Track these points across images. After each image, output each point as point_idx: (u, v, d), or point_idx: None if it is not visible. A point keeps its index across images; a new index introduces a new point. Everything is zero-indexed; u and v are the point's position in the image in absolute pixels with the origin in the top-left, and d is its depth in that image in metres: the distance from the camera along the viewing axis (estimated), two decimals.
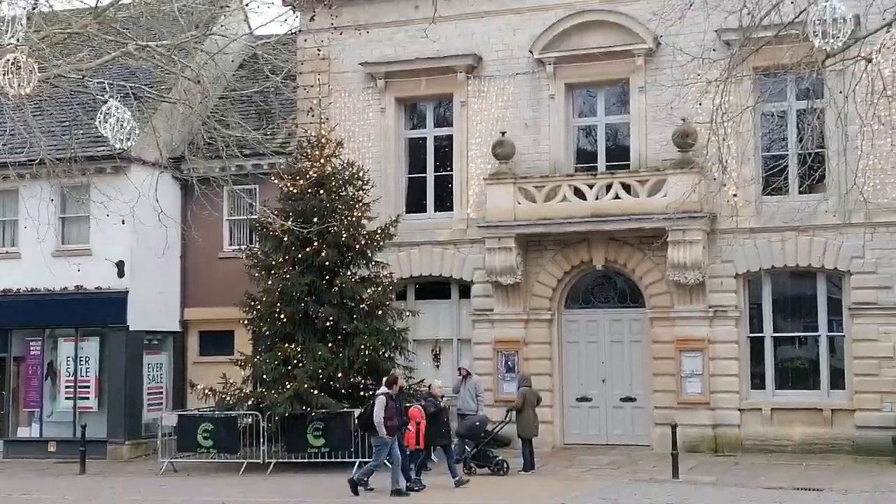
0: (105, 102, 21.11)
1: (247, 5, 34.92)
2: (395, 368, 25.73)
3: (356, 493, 21.09)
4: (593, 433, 29.34)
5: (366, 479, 21.56)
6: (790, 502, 19.15)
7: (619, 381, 29.25)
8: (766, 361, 28.26)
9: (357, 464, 22.32)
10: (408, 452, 21.95)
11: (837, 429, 26.89)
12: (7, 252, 33.99)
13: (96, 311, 32.49)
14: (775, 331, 28.41)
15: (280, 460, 26.39)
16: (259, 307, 27.79)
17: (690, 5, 20.09)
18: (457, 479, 22.01)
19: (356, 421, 23.45)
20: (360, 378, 26.77)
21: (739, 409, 27.84)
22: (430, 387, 24.58)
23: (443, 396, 24.32)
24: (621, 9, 29.22)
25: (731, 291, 28.24)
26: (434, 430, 22.63)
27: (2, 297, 33.23)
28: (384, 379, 23.27)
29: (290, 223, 27.12)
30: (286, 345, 26.85)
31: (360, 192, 28.42)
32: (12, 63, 18.25)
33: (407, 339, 28.97)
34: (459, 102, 31.15)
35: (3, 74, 18.62)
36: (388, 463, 21.24)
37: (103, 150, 29.02)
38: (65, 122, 30.33)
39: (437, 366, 30.95)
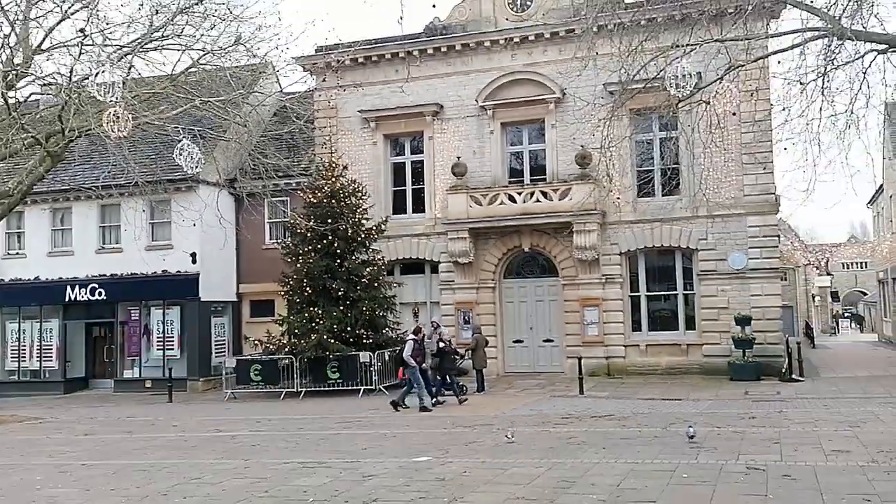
0: (180, 141, 21.51)
1: (277, 71, 35.15)
2: (417, 323, 25.78)
3: (396, 409, 21.16)
4: (525, 364, 29.74)
5: (403, 400, 21.53)
6: (660, 407, 19.56)
7: (541, 329, 29.76)
8: (642, 312, 29.07)
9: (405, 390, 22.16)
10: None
11: (691, 357, 27.76)
12: (112, 247, 33.83)
13: (177, 288, 32.43)
14: (647, 291, 29.19)
15: (308, 389, 26.61)
16: (291, 283, 27.84)
17: (585, 67, 20.68)
18: (462, 397, 22.18)
19: (394, 358, 24.08)
20: (363, 331, 27.06)
21: (624, 346, 28.56)
22: (419, 329, 23.58)
23: (449, 341, 24.28)
24: (538, 70, 29.53)
25: (617, 265, 28.84)
26: (445, 363, 22.98)
27: (110, 280, 33.19)
28: (413, 329, 23.54)
29: (311, 223, 27.45)
30: (311, 308, 27.05)
31: (360, 201, 28.46)
32: (113, 114, 18.65)
33: (395, 302, 29.34)
34: (428, 137, 31.27)
35: (107, 123, 18.97)
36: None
37: (179, 175, 28.75)
38: (151, 155, 30.25)
39: (417, 321, 29.90)
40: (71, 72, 24.90)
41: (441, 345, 23.22)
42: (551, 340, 29.53)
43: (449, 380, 22.92)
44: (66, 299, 34.10)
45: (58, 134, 25.17)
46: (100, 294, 33.80)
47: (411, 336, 22.46)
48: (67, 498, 11.49)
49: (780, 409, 18.60)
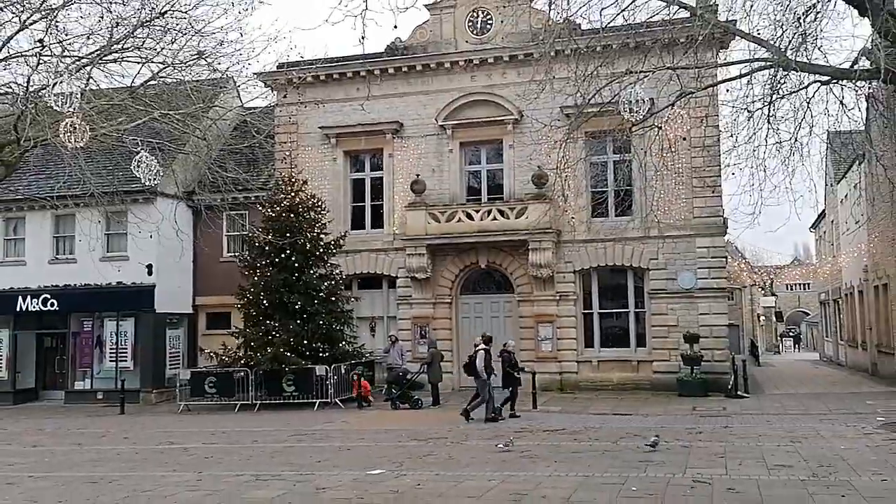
0: (138, 153, 21.22)
1: (238, 86, 34.97)
2: (485, 333, 24.78)
3: (468, 419, 20.57)
4: None
5: (472, 411, 20.90)
6: (610, 422, 19.75)
7: (497, 344, 29.72)
8: (594, 329, 29.10)
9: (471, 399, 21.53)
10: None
11: (641, 373, 27.96)
12: (66, 258, 33.32)
13: (132, 300, 32.08)
14: (600, 308, 29.20)
15: (264, 401, 26.33)
16: (248, 296, 27.57)
17: (542, 90, 20.59)
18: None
19: (462, 367, 23.27)
20: (319, 344, 27.00)
21: (577, 361, 28.62)
22: (489, 342, 23.01)
23: (506, 351, 23.16)
24: (496, 92, 29.64)
25: (571, 282, 28.90)
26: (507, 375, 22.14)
27: (63, 290, 32.72)
28: (483, 338, 23.01)
29: (269, 237, 27.32)
30: (267, 321, 26.86)
31: (319, 216, 28.37)
32: (70, 125, 18.38)
33: (352, 316, 29.34)
34: (387, 154, 31.16)
35: (64, 133, 18.73)
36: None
37: (137, 187, 28.47)
38: (108, 166, 29.98)
39: (373, 335, 30.86)
40: (28, 82, 24.87)
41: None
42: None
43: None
44: (17, 309, 33.53)
45: (13, 143, 25.03)
46: (52, 304, 33.28)
47: (482, 346, 22.02)
48: None
49: (725, 424, 18.81)
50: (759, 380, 33.11)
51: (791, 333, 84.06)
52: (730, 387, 26.05)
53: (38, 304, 33.38)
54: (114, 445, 18.93)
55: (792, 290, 72.50)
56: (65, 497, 12.06)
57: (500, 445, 15.46)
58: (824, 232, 52.04)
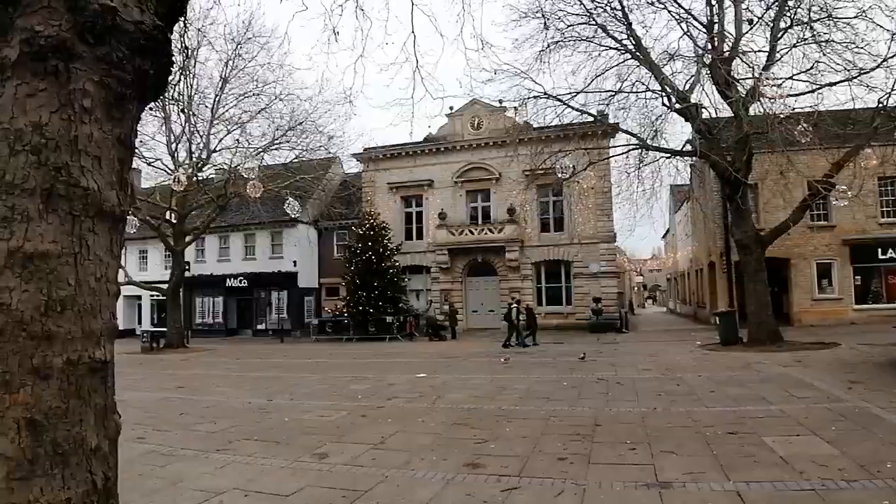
0: (287, 200, 22.32)
1: (341, 160, 35.84)
2: (516, 296, 24.70)
3: (505, 347, 19.54)
4: (480, 324, 29.87)
5: (508, 342, 20.03)
6: (551, 347, 19.59)
7: (488, 304, 30.18)
8: (543, 295, 29.23)
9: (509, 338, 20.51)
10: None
11: (569, 320, 28.00)
12: (251, 257, 34.04)
13: (285, 280, 32.60)
14: (546, 283, 29.40)
15: (357, 337, 26.57)
16: (348, 277, 28.08)
17: (511, 161, 21.44)
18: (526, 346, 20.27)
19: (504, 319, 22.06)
20: (387, 304, 27.20)
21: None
22: (518, 302, 22.35)
23: (527, 307, 22.74)
24: (486, 162, 29.84)
25: (530, 269, 29.09)
26: (529, 321, 21.36)
27: (249, 275, 33.64)
28: (514, 300, 22.51)
29: (359, 244, 28.00)
30: (359, 291, 27.20)
31: (386, 233, 28.70)
32: (253, 185, 19.39)
33: (405, 289, 29.67)
34: (425, 198, 31.56)
35: (249, 189, 19.59)
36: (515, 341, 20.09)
37: (287, 217, 29.34)
38: (272, 207, 30.21)
39: (418, 299, 31.06)
40: (231, 162, 25.71)
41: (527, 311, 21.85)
42: (493, 310, 29.66)
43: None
44: (226, 285, 34.36)
45: (222, 195, 25.93)
46: (243, 283, 34.08)
47: (514, 305, 21.23)
48: (227, 391, 11.90)
49: (615, 348, 19.06)
50: (634, 323, 33.18)
51: (651, 297, 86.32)
52: (618, 326, 26.62)
53: (236, 282, 34.21)
54: (277, 359, 19.41)
55: (651, 272, 73.52)
56: (252, 385, 12.55)
57: (503, 360, 15.77)
58: (668, 240, 53.08)
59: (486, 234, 29.65)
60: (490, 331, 28.40)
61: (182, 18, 2.38)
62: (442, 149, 31.29)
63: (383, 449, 6.70)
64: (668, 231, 49.69)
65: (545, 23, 17.06)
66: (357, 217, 31.73)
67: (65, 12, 1.80)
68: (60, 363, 1.65)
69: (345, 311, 28.32)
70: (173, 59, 2.22)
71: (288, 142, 26.58)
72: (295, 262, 32.85)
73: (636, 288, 70.33)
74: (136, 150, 24.85)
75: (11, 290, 1.60)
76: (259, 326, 34.32)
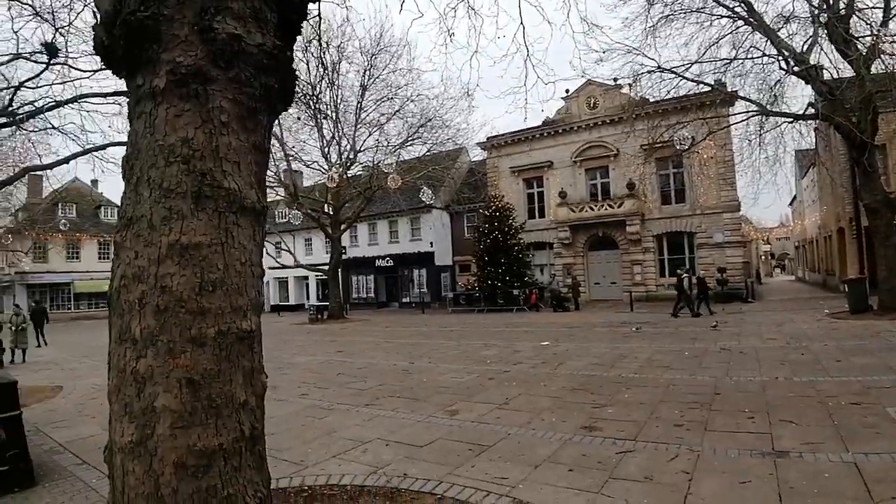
0: (422, 189, 22.93)
1: (468, 149, 36.23)
2: (683, 268, 22.14)
3: (674, 316, 18.63)
4: (601, 296, 28.90)
5: (681, 313, 18.97)
6: (670, 319, 18.51)
7: (609, 277, 29.01)
8: (665, 266, 27.57)
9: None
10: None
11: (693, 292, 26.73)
12: (395, 241, 35.53)
13: (424, 259, 33.76)
14: (669, 255, 27.91)
15: (487, 308, 26.86)
16: (478, 255, 28.20)
17: (628, 136, 20.31)
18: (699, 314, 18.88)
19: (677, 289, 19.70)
20: (514, 279, 27.09)
21: (655, 285, 27.40)
22: (689, 271, 21.27)
23: (700, 276, 21.11)
24: (604, 139, 28.64)
25: (651, 242, 27.66)
26: (700, 289, 19.85)
27: (394, 255, 35.22)
28: (684, 270, 20.80)
29: (487, 225, 28.05)
30: (488, 267, 27.38)
31: (510, 213, 28.50)
32: (392, 178, 20.07)
33: (531, 264, 29.35)
34: (545, 178, 30.92)
35: (390, 181, 20.15)
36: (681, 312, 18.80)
37: (422, 204, 30.14)
38: (410, 196, 31.01)
39: (542, 273, 30.62)
40: (373, 160, 26.83)
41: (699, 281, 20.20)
42: (615, 283, 28.75)
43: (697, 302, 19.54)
44: (375, 265, 36.18)
45: (368, 188, 27.13)
46: (389, 262, 35.75)
47: (685, 275, 19.80)
48: (376, 355, 12.38)
49: (741, 317, 17.68)
50: (760, 292, 30.68)
51: (779, 265, 77.94)
52: (744, 296, 24.64)
53: (384, 262, 35.94)
54: (418, 328, 19.93)
55: (779, 241, 66.18)
56: (399, 351, 12.89)
57: (634, 329, 15.08)
58: (795, 207, 48.15)
59: (605, 209, 28.52)
60: (612, 302, 27.42)
61: (309, 37, 2.50)
62: (560, 130, 30.42)
63: (507, 409, 6.73)
64: (794, 198, 44.88)
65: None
66: (483, 200, 31.78)
67: (199, 44, 1.97)
68: (213, 333, 1.84)
69: (476, 285, 28.63)
70: (296, 73, 2.36)
71: (420, 138, 27.17)
72: (431, 243, 33.85)
73: (763, 257, 64.01)
74: (297, 155, 26.79)
75: (172, 275, 1.81)
76: (404, 300, 35.78)
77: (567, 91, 29.92)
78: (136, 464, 1.79)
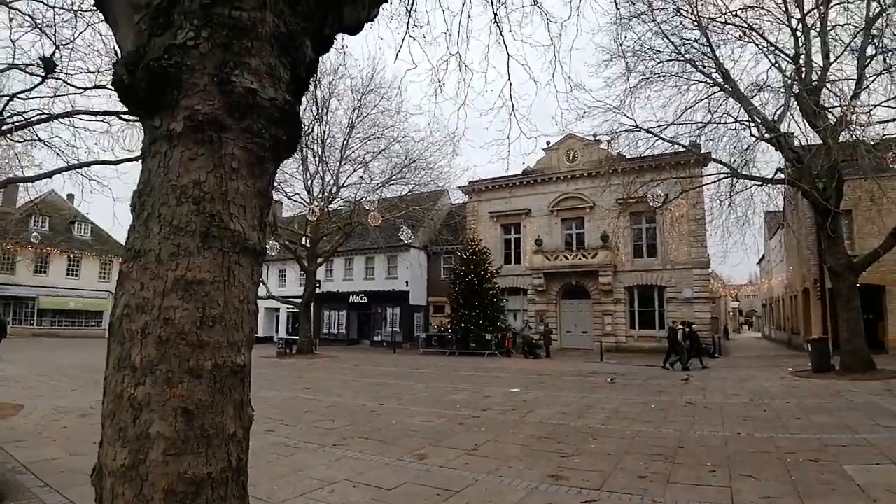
0: (401, 228, 23.09)
1: (448, 192, 36.72)
2: (683, 320, 22.82)
3: (664, 368, 18.80)
4: (572, 344, 29.13)
5: (671, 366, 18.93)
6: (642, 370, 18.78)
7: (581, 326, 29.42)
8: (636, 318, 28.10)
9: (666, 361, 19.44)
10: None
11: (661, 344, 25.90)
12: (370, 278, 35.49)
13: (398, 298, 33.67)
14: (639, 307, 28.30)
15: (459, 351, 26.75)
16: (453, 296, 28.43)
17: (604, 190, 20.84)
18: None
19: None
20: (487, 323, 27.20)
21: (625, 336, 27.81)
22: (684, 323, 21.12)
23: (691, 328, 20.41)
24: (580, 192, 29.49)
25: (622, 293, 28.20)
26: (692, 342, 19.64)
27: (368, 292, 35.14)
28: (681, 322, 21.15)
29: (463, 268, 28.32)
30: (461, 310, 27.58)
31: (487, 257, 28.91)
32: (373, 215, 20.16)
33: (504, 309, 29.37)
34: (523, 226, 31.54)
35: (370, 219, 20.20)
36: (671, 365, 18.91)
37: (401, 243, 30.02)
38: (388, 234, 31.10)
39: (515, 319, 30.73)
40: (355, 196, 27.02)
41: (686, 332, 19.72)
42: (586, 332, 29.05)
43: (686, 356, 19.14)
44: (349, 301, 35.92)
45: (348, 224, 27.16)
46: (363, 298, 35.53)
47: (680, 327, 19.84)
48: (345, 393, 12.24)
49: (707, 372, 17.96)
50: (727, 347, 31.31)
51: (747, 322, 79.80)
52: (711, 352, 25.15)
53: (358, 298, 35.70)
54: (390, 368, 19.76)
55: (747, 298, 67.95)
56: (367, 391, 12.79)
57: (608, 380, 15.17)
58: (763, 266, 49.61)
59: (580, 259, 29.06)
60: (582, 351, 27.67)
61: (309, 88, 2.68)
62: (539, 180, 31.20)
63: (475, 455, 6.76)
64: (763, 257, 46.50)
65: (627, 65, 16.76)
66: (461, 243, 32.20)
67: (217, 94, 2.12)
68: (210, 366, 1.93)
69: (449, 327, 28.65)
70: (302, 125, 2.53)
71: (403, 177, 27.55)
72: (407, 282, 33.88)
73: (731, 313, 65.54)
74: (279, 186, 26.79)
75: (175, 308, 1.92)
76: (375, 338, 35.42)
77: (548, 143, 30.85)
78: (127, 488, 1.84)
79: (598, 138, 20.21)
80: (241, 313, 2.08)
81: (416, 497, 5.18)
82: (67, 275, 41.09)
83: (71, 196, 44.55)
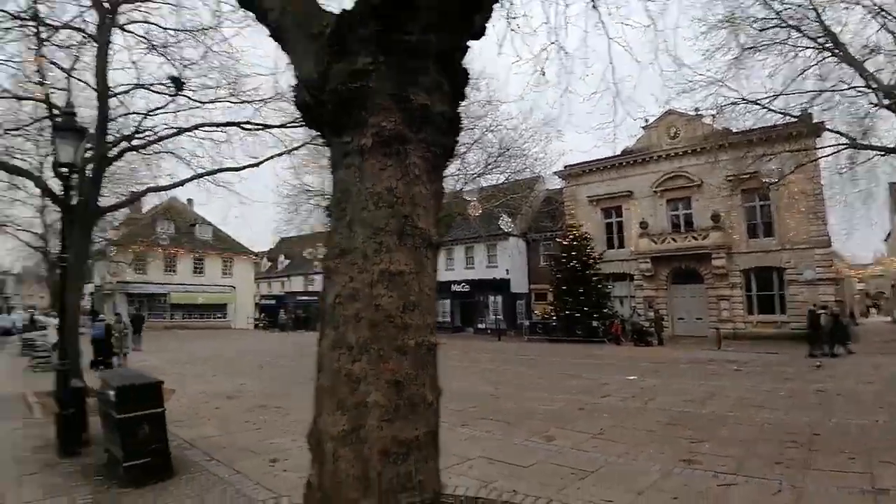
0: (500, 216, 23.26)
1: (545, 178, 36.25)
2: (823, 304, 21.05)
3: (810, 357, 17.29)
4: (686, 331, 27.75)
5: (819, 354, 17.45)
6: (763, 357, 17.89)
7: (694, 312, 28.19)
8: (753, 303, 26.34)
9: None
10: None
11: (782, 329, 24.79)
12: (470, 267, 35.96)
13: (499, 286, 33.71)
14: (757, 291, 26.40)
15: (562, 339, 26.40)
16: (555, 284, 28.26)
17: (713, 168, 19.85)
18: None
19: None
20: (592, 311, 26.73)
21: (743, 322, 26.17)
22: (825, 308, 19.87)
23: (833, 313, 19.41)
24: (685, 170, 28.04)
25: (738, 276, 26.46)
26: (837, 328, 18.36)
27: (470, 281, 35.77)
28: (823, 304, 19.82)
29: (564, 254, 28.25)
30: (564, 297, 27.29)
31: (588, 243, 28.44)
32: (473, 205, 20.27)
33: (609, 295, 28.73)
34: (625, 208, 30.50)
35: (470, 209, 20.59)
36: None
37: (500, 232, 30.66)
38: (489, 223, 30.88)
39: (622, 306, 29.73)
40: (455, 187, 27.44)
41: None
42: (700, 318, 27.52)
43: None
44: (452, 290, 36.27)
45: (448, 215, 27.63)
46: (465, 287, 35.97)
47: (821, 311, 18.62)
48: (461, 379, 11.95)
49: (839, 360, 16.67)
50: (856, 332, 28.29)
51: (874, 305, 71.76)
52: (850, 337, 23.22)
53: (459, 287, 36.02)
54: (496, 355, 19.80)
55: (874, 278, 61.13)
56: (479, 376, 12.85)
57: (735, 368, 14.49)
58: (891, 243, 45.25)
59: (689, 241, 27.64)
60: (696, 338, 26.35)
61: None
62: (640, 160, 30.01)
63: (603, 439, 6.88)
64: (889, 234, 41.67)
65: (729, 36, 15.73)
66: (560, 229, 31.72)
67: (397, 111, 2.45)
68: (413, 344, 2.28)
69: (553, 314, 28.44)
70: (462, 130, 2.82)
71: (498, 167, 27.58)
72: (507, 270, 33.95)
73: (857, 295, 59.18)
74: None
75: (382, 296, 2.27)
76: (479, 325, 35.82)
77: (646, 120, 29.66)
78: (348, 450, 2.22)
79: (699, 113, 19.17)
80: (430, 299, 2.41)
81: (551, 475, 5.42)
82: (194, 272, 45.32)
83: (190, 201, 49.06)
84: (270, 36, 3.01)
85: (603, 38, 6.44)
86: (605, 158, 30.43)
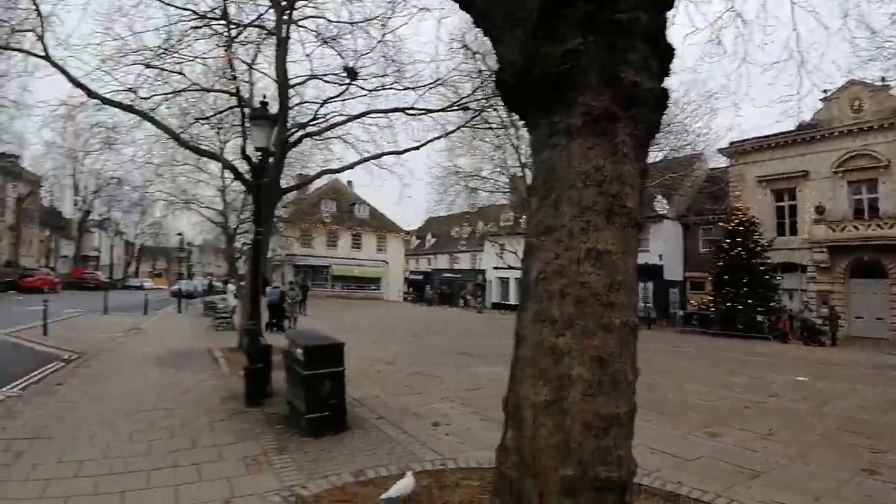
0: (655, 197, 21.87)
1: (705, 158, 33.55)
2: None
3: None
4: (863, 332, 24.06)
5: None
6: None
7: (874, 311, 24.32)
8: None
9: None
10: None
11: None
12: None
13: (652, 272, 31.53)
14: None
15: (721, 332, 24.09)
16: (716, 272, 26.13)
17: None
18: None
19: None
20: (757, 304, 24.27)
21: None
22: None
23: None
24: (871, 148, 24.23)
25: None
26: None
27: None
28: None
29: (727, 240, 25.81)
30: (725, 287, 25.17)
31: (755, 229, 25.77)
32: None
33: (777, 288, 25.82)
34: (798, 190, 27.05)
35: None
36: None
37: (654, 213, 28.71)
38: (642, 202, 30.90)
39: (791, 300, 26.61)
40: None
41: None
42: (881, 318, 23.93)
43: None
44: None
45: None
46: None
47: None
48: None
49: None
50: None
51: None
52: None
53: None
54: (647, 344, 19.25)
55: None
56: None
57: None
58: None
59: (874, 230, 23.95)
60: (875, 340, 22.96)
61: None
62: (817, 136, 26.47)
63: (772, 440, 6.44)
64: None
65: None
66: (724, 212, 29.22)
67: (606, 90, 2.44)
68: (617, 323, 2.30)
69: (711, 305, 26.45)
70: (668, 106, 2.73)
71: (656, 144, 26.10)
72: (660, 255, 32.05)
73: None
74: (528, 162, 27.79)
75: (588, 274, 2.31)
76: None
77: (825, 91, 25.97)
78: (549, 419, 2.31)
79: (887, 83, 16.29)
80: (634, 279, 2.41)
81: (718, 471, 5.17)
82: (352, 247, 49.20)
83: (350, 182, 52.90)
84: (474, 23, 3.13)
85: (784, 2, 5.76)
86: (778, 134, 27.36)
